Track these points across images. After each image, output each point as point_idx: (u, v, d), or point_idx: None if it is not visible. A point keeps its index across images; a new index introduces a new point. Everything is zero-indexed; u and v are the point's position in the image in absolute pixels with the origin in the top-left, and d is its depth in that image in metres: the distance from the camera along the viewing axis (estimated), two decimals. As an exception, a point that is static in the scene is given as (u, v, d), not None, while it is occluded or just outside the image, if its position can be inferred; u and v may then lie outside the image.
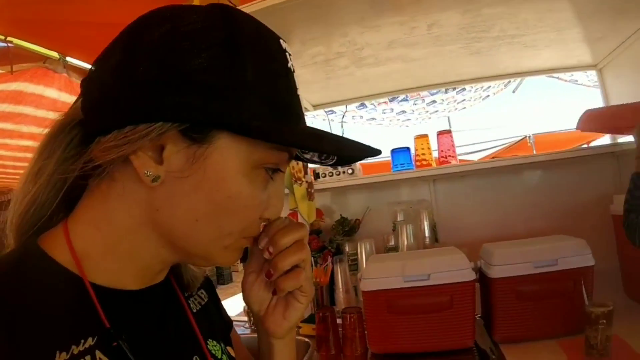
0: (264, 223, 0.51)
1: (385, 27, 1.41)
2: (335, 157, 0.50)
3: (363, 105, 2.77)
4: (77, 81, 1.94)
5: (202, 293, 0.61)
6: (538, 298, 1.25)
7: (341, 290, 1.79)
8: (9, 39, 1.58)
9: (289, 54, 0.46)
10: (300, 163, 1.69)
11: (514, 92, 3.28)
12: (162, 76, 0.39)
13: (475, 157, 5.86)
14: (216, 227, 0.45)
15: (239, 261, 0.54)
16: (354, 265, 1.85)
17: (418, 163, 1.90)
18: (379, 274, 1.31)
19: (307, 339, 1.58)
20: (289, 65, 0.46)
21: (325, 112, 2.65)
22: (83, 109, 0.43)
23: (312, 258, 1.93)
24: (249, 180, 0.44)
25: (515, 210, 1.89)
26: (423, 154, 1.87)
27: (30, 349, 0.36)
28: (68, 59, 1.85)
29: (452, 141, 1.87)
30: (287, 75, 0.45)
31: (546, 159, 1.77)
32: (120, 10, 1.61)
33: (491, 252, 1.29)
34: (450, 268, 1.26)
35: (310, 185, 1.74)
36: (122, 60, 0.40)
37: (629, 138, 2.08)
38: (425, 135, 1.92)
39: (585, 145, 4.72)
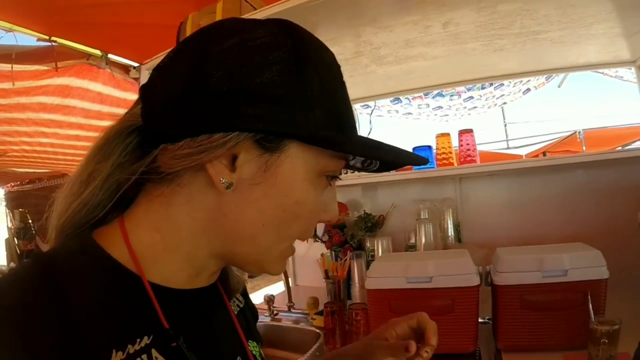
0: None
1: (398, 27, 1.40)
2: (378, 163, 0.51)
3: (398, 100, 2.74)
4: (119, 76, 2.08)
5: (239, 296, 0.62)
6: (545, 308, 1.22)
7: (357, 285, 1.82)
8: (52, 38, 1.72)
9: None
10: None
11: (559, 86, 3.11)
12: (235, 87, 0.40)
13: (527, 151, 5.64)
14: (280, 231, 0.47)
15: None
16: (372, 261, 1.87)
17: (439, 162, 1.87)
18: (383, 273, 1.33)
19: (318, 330, 1.63)
20: (343, 78, 0.49)
21: (360, 106, 2.66)
22: (144, 116, 0.44)
23: (333, 252, 1.97)
24: (313, 187, 0.47)
25: (543, 213, 1.82)
26: (444, 153, 1.84)
27: (88, 345, 0.37)
28: (110, 55, 1.98)
29: (473, 140, 1.82)
30: (343, 88, 0.48)
31: (574, 161, 1.68)
32: (157, 12, 1.72)
33: (500, 257, 1.27)
34: (454, 272, 1.25)
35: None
36: (192, 70, 0.42)
37: None
38: (447, 134, 1.89)
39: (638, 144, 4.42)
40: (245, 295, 0.65)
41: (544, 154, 4.73)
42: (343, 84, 0.48)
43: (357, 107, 2.31)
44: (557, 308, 1.21)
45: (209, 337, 0.49)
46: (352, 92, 1.87)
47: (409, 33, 1.45)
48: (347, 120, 0.47)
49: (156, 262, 0.45)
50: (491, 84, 2.51)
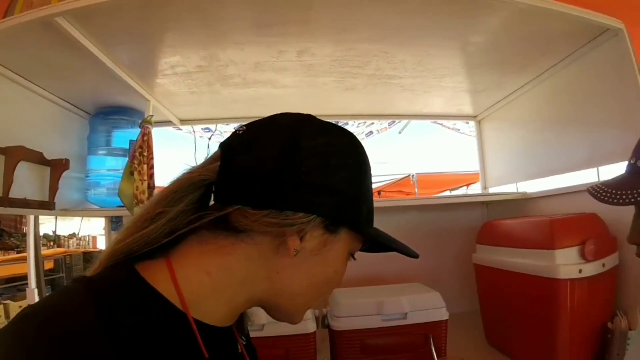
0: None
1: (250, 47, 1.30)
2: (367, 246, 0.63)
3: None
4: None
5: (242, 335, 0.67)
6: (386, 352, 1.20)
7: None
8: None
9: None
10: (145, 184, 1.48)
11: (400, 133, 3.35)
12: (319, 180, 0.51)
13: None
14: (318, 291, 0.58)
15: None
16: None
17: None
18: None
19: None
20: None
21: (202, 129, 2.45)
22: (223, 175, 0.52)
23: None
24: (345, 262, 0.59)
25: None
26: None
27: None
28: None
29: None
30: (372, 188, 0.60)
31: (421, 203, 1.80)
32: None
33: (337, 301, 1.22)
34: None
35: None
36: (285, 156, 0.51)
37: (497, 189, 2.27)
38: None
39: (465, 189, 5.24)
40: (247, 334, 0.70)
41: (379, 193, 5.13)
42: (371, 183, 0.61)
43: (197, 129, 2.11)
44: (399, 351, 1.21)
45: None
46: (192, 111, 1.66)
47: (260, 55, 1.36)
48: (372, 215, 0.61)
49: (199, 301, 0.50)
50: (337, 123, 2.57)
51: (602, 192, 0.71)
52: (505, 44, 1.41)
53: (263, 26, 1.19)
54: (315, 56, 1.37)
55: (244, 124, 0.57)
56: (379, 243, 0.60)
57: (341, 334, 1.18)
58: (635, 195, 0.64)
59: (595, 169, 1.51)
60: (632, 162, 0.71)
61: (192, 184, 0.53)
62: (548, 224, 1.25)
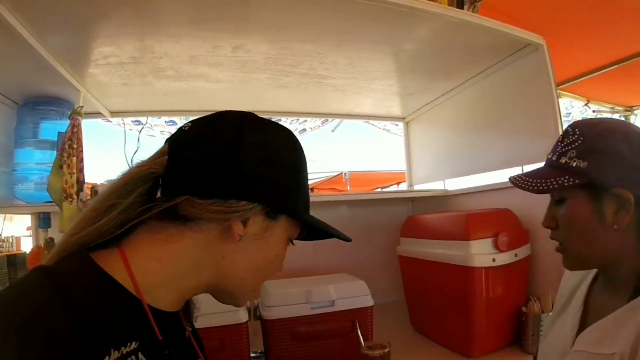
0: None
1: (186, 40, 1.29)
2: (305, 234, 0.68)
3: (173, 122, 2.58)
4: None
5: (187, 323, 0.70)
6: (315, 339, 1.25)
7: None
8: None
9: None
10: (75, 177, 1.43)
11: (333, 131, 3.42)
12: (260, 172, 0.56)
13: None
14: (261, 274, 0.63)
15: None
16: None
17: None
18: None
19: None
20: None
21: (132, 121, 2.37)
22: (170, 168, 0.56)
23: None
24: (284, 246, 0.65)
25: (310, 246, 1.89)
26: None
27: (92, 343, 0.44)
28: None
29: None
30: (308, 179, 0.67)
31: (352, 199, 1.86)
32: None
33: (268, 292, 1.25)
34: (221, 309, 1.14)
35: (85, 204, 1.47)
36: (228, 151, 0.55)
37: (423, 186, 2.39)
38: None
39: (395, 187, 5.40)
40: (192, 322, 0.73)
41: (312, 189, 5.18)
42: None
43: (127, 122, 2.05)
44: (327, 337, 1.25)
45: (181, 352, 0.60)
46: (123, 103, 1.63)
47: (195, 49, 1.36)
48: (309, 204, 0.67)
49: (151, 287, 0.53)
50: (270, 119, 2.60)
51: (521, 180, 0.78)
52: (435, 52, 1.51)
53: (200, 21, 1.20)
54: (250, 53, 1.39)
55: (189, 120, 0.61)
56: (315, 229, 0.66)
57: (272, 323, 1.21)
58: (548, 184, 0.72)
59: (511, 169, 1.65)
60: (548, 156, 0.78)
61: (142, 177, 0.56)
62: (464, 217, 1.36)
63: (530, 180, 0.76)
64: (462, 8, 1.32)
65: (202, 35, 1.27)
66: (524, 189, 0.76)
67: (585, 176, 0.68)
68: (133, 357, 0.48)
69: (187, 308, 0.69)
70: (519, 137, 1.60)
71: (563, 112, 3.07)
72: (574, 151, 0.70)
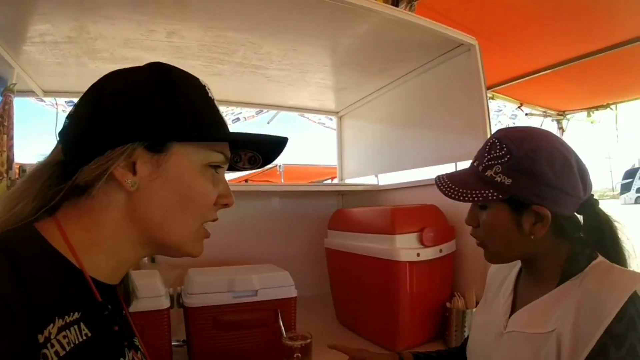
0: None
1: (121, 23, 1.28)
2: (261, 160, 0.70)
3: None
4: None
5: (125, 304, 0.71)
6: (237, 328, 1.24)
7: None
8: None
9: (208, 88, 0.64)
10: (5, 155, 1.41)
11: (268, 123, 3.38)
12: (124, 115, 0.55)
13: (231, 177, 6.17)
14: (183, 214, 0.59)
15: None
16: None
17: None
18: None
19: None
20: (209, 95, 0.63)
21: (65, 102, 2.32)
22: (64, 151, 0.58)
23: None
24: (200, 174, 0.60)
25: (238, 236, 1.91)
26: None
27: (41, 311, 0.46)
28: None
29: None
30: (208, 101, 0.62)
31: (282, 190, 1.87)
32: None
33: (191, 279, 1.24)
34: (141, 294, 1.14)
35: (13, 182, 1.44)
36: (93, 109, 0.56)
37: (353, 180, 2.43)
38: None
39: (330, 181, 5.46)
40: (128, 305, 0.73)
41: (247, 181, 5.13)
42: (209, 98, 0.62)
43: (60, 102, 2.01)
44: (250, 327, 1.25)
45: (119, 324, 0.60)
46: (57, 82, 1.58)
47: (131, 32, 1.34)
48: (214, 122, 0.62)
49: (87, 255, 0.54)
50: None
51: (447, 187, 0.80)
52: (369, 48, 1.53)
53: (137, 4, 1.18)
54: (185, 39, 1.38)
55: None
56: (237, 142, 0.64)
57: (194, 310, 1.20)
58: (473, 195, 0.75)
59: (442, 165, 1.69)
60: (474, 164, 0.81)
61: (45, 165, 0.58)
62: (389, 212, 1.38)
63: (456, 188, 0.78)
64: (397, 6, 1.35)
65: (138, 18, 1.26)
66: (449, 196, 0.79)
67: (508, 192, 0.72)
68: (75, 326, 0.49)
69: (127, 291, 0.70)
70: (449, 135, 1.64)
71: (495, 108, 3.15)
72: (499, 166, 0.74)
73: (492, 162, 0.76)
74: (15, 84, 1.45)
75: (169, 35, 1.34)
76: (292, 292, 1.30)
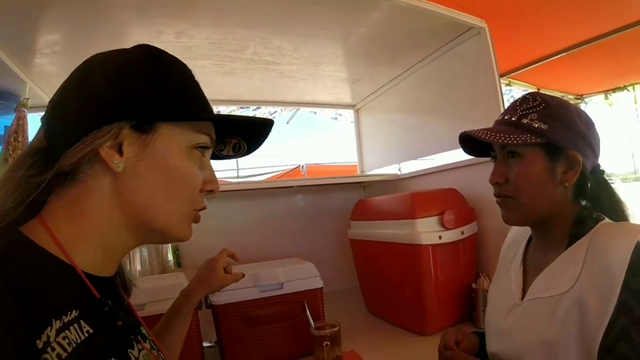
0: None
1: (129, 25, 1.29)
2: (246, 148, 0.69)
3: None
4: None
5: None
6: (266, 322, 1.25)
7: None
8: None
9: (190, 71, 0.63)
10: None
11: (287, 123, 3.37)
12: (111, 96, 0.53)
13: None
14: (171, 196, 0.57)
15: None
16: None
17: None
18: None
19: None
20: (195, 79, 0.62)
21: None
22: (47, 137, 0.56)
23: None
24: (186, 156, 0.58)
25: (263, 233, 1.94)
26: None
27: (34, 315, 0.44)
28: None
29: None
30: (195, 85, 0.61)
31: (303, 184, 1.87)
32: None
33: (218, 277, 1.24)
34: (166, 296, 1.14)
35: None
36: (78, 90, 0.55)
37: (374, 172, 2.43)
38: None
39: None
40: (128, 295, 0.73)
41: None
42: (196, 82, 0.62)
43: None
44: (278, 320, 1.26)
45: (122, 316, 0.58)
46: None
47: (140, 36, 1.35)
48: (198, 102, 0.61)
49: (77, 249, 0.53)
50: (218, 110, 2.57)
51: (484, 132, 0.79)
52: (379, 37, 1.52)
53: (144, 6, 1.19)
54: (194, 38, 1.38)
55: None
56: (225, 123, 0.63)
57: (222, 308, 1.21)
58: (513, 139, 0.76)
59: (458, 150, 1.68)
60: (505, 117, 0.82)
61: (28, 153, 0.56)
62: (409, 197, 1.38)
63: (493, 134, 0.78)
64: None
65: (146, 21, 1.27)
66: (485, 139, 0.78)
67: (546, 137, 0.75)
68: (75, 325, 0.47)
69: (124, 281, 0.68)
70: (462, 119, 1.63)
71: (507, 93, 3.14)
72: (535, 114, 0.77)
73: (527, 111, 0.78)
74: (28, 99, 1.46)
75: (178, 35, 1.35)
76: (318, 283, 1.30)
